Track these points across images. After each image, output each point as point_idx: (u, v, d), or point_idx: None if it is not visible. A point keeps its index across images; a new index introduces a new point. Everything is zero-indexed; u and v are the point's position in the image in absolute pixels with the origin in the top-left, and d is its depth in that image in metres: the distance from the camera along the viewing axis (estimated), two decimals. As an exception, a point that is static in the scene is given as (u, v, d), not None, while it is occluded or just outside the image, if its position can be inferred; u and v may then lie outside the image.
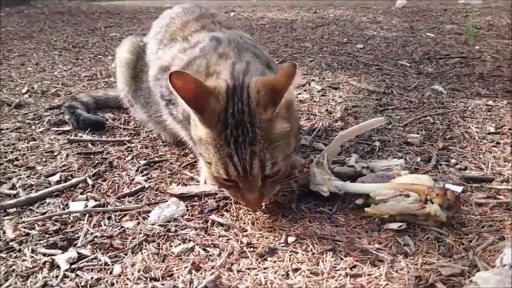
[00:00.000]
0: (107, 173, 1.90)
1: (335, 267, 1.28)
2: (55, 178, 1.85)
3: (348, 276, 1.23)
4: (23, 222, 1.56)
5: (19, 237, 1.48)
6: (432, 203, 1.41)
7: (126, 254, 1.38)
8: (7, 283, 1.27)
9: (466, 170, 1.84)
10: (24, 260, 1.37)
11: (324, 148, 2.02)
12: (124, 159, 2.02)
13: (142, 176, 1.86)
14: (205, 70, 1.61)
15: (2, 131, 2.29)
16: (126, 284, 1.25)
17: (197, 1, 2.17)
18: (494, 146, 2.05)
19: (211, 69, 1.60)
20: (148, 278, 1.26)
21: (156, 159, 2.01)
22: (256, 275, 1.26)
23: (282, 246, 1.38)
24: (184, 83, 1.37)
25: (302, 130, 2.24)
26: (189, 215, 1.58)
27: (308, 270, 1.27)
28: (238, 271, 1.29)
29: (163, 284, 1.24)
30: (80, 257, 1.37)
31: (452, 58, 3.58)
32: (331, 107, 2.60)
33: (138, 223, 1.54)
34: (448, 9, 5.88)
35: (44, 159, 2.02)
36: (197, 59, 1.69)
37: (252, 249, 1.38)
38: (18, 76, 3.20)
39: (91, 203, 1.66)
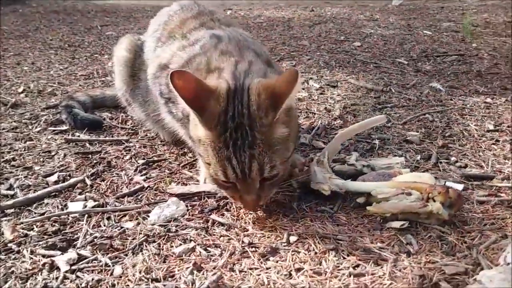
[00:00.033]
0: (105, 173, 1.88)
1: (338, 266, 1.27)
2: (53, 178, 1.83)
3: (352, 276, 1.22)
4: (22, 223, 1.54)
5: (18, 238, 1.46)
6: (434, 201, 1.41)
7: (126, 255, 1.37)
8: (7, 285, 1.26)
9: (466, 168, 1.84)
10: (23, 262, 1.35)
11: (325, 147, 2.02)
12: (123, 158, 2.00)
13: (141, 175, 1.84)
14: (205, 67, 1.59)
15: (-1, 131, 2.27)
16: (128, 285, 1.24)
17: (189, 1, 2.14)
18: (493, 144, 2.05)
19: (212, 66, 1.58)
20: (150, 279, 1.25)
21: (155, 158, 2.00)
22: (259, 275, 1.25)
23: (284, 246, 1.37)
24: (185, 82, 1.36)
25: (301, 129, 2.23)
26: (189, 215, 1.57)
27: (311, 269, 1.26)
28: (240, 271, 1.27)
29: (164, 285, 1.23)
30: (80, 258, 1.36)
31: (449, 56, 3.57)
32: (329, 105, 2.59)
33: (138, 223, 1.53)
34: (445, 7, 5.87)
35: (41, 159, 2.00)
36: (197, 57, 1.68)
37: (253, 249, 1.37)
38: (14, 76, 3.17)
39: (90, 203, 1.65)
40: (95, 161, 1.97)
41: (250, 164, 1.36)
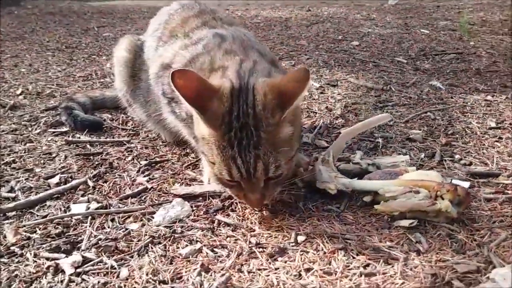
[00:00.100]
0: (107, 174, 1.86)
1: (348, 266, 1.25)
2: (55, 180, 1.80)
3: (363, 275, 1.20)
4: (24, 225, 1.52)
5: (20, 241, 1.44)
6: (443, 199, 1.40)
7: (132, 257, 1.35)
8: (11, 289, 1.24)
9: (471, 165, 1.83)
10: (27, 265, 1.33)
11: (328, 146, 2.01)
12: (124, 159, 1.98)
13: (144, 176, 1.83)
14: (209, 67, 1.58)
15: (-2, 133, 2.25)
16: (135, 287, 1.22)
17: (189, 0, 2.13)
18: (496, 141, 2.04)
19: (215, 65, 1.57)
20: (157, 281, 1.23)
21: (157, 159, 1.98)
22: (268, 275, 1.24)
23: (292, 246, 1.36)
24: (186, 81, 1.34)
25: (303, 128, 2.21)
26: (194, 216, 1.55)
27: (321, 269, 1.24)
28: (249, 272, 1.26)
29: (172, 287, 1.21)
30: (85, 260, 1.34)
31: (448, 54, 3.57)
32: (330, 105, 2.57)
33: (143, 225, 1.51)
34: (441, 5, 5.88)
35: (42, 161, 1.98)
36: (200, 56, 1.66)
37: (261, 249, 1.36)
38: (12, 78, 3.14)
39: (93, 205, 1.63)
40: (96, 163, 1.95)
41: (255, 164, 1.34)
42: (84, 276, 1.27)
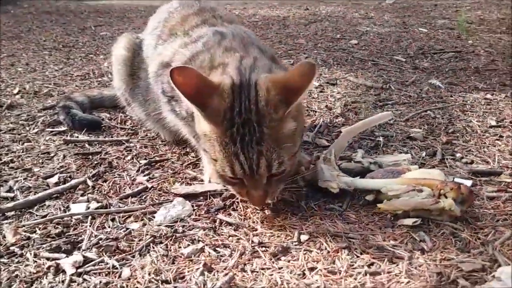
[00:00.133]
0: (107, 173, 1.84)
1: (352, 265, 1.24)
2: (54, 179, 1.78)
3: (368, 274, 1.19)
4: (23, 225, 1.50)
5: (20, 241, 1.42)
6: (446, 197, 1.39)
7: (133, 257, 1.34)
8: (11, 290, 1.22)
9: (472, 163, 1.82)
10: (27, 265, 1.31)
11: (328, 145, 2.00)
12: (124, 159, 1.97)
13: (144, 176, 1.81)
14: (209, 64, 1.57)
15: (-5, 133, 2.23)
16: (137, 287, 1.20)
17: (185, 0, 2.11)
18: (497, 140, 2.04)
19: (215, 62, 1.55)
20: (160, 281, 1.22)
21: (157, 158, 1.96)
22: (271, 275, 1.23)
23: (295, 245, 1.35)
24: (186, 78, 1.33)
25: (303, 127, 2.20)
26: (196, 215, 1.53)
27: (325, 269, 1.23)
28: (252, 271, 1.25)
29: (175, 287, 1.20)
30: (86, 260, 1.32)
31: (446, 53, 3.57)
32: (330, 103, 2.57)
33: (144, 224, 1.49)
34: (438, 4, 5.89)
35: (40, 161, 1.96)
36: (200, 54, 1.65)
37: (264, 248, 1.34)
38: (8, 77, 3.11)
39: (93, 204, 1.61)
40: (95, 162, 1.93)
41: (258, 161, 1.33)
42: (85, 276, 1.26)
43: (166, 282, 1.22)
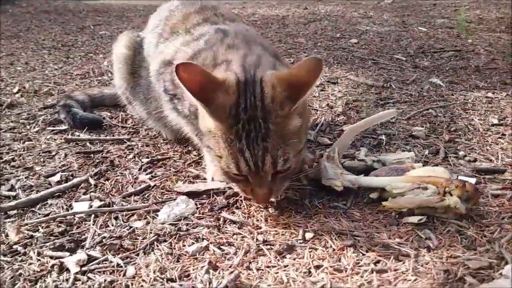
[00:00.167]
0: (109, 172, 1.83)
1: (358, 263, 1.24)
2: (56, 178, 1.78)
3: (374, 272, 1.19)
4: (26, 224, 1.49)
5: (23, 240, 1.41)
6: (451, 195, 1.38)
7: (137, 255, 1.33)
8: (15, 288, 1.21)
9: (476, 162, 1.82)
10: (30, 264, 1.30)
11: (330, 143, 2.00)
12: (126, 157, 1.96)
13: (146, 174, 1.80)
14: (212, 62, 1.56)
15: (-4, 132, 2.21)
16: (142, 286, 1.20)
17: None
18: (500, 138, 2.04)
19: (218, 60, 1.55)
20: (165, 279, 1.21)
21: (159, 157, 1.95)
22: (277, 273, 1.22)
23: (300, 243, 1.34)
24: (191, 74, 1.32)
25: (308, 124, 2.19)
26: (199, 213, 1.53)
27: (331, 266, 1.23)
28: (258, 269, 1.24)
29: (181, 285, 1.19)
30: (90, 259, 1.31)
31: (446, 52, 3.57)
32: (331, 102, 2.56)
33: (148, 223, 1.48)
34: (437, 3, 5.89)
35: (42, 159, 1.95)
36: (202, 52, 1.64)
37: (269, 246, 1.34)
38: (8, 76, 3.10)
39: (96, 203, 1.60)
40: (97, 161, 1.92)
41: (263, 158, 1.32)
42: (90, 275, 1.25)
43: (172, 280, 1.21)
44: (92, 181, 1.75)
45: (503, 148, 1.92)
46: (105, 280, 1.21)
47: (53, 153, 2.00)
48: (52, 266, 1.28)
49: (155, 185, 1.72)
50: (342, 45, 3.85)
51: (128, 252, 1.34)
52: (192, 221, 1.48)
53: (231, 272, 1.22)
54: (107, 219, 1.51)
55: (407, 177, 1.49)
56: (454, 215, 1.40)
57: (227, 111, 1.33)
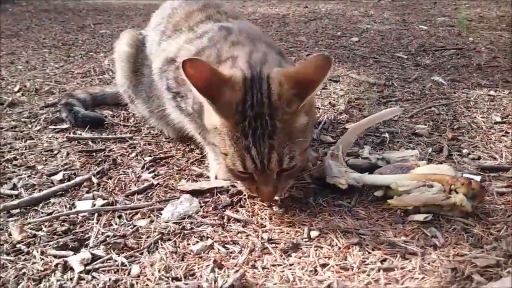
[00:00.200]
0: (111, 171, 1.82)
1: (365, 261, 1.23)
2: (58, 177, 1.77)
3: (381, 270, 1.18)
4: (29, 223, 1.48)
5: (26, 239, 1.40)
6: (457, 193, 1.38)
7: (142, 254, 1.32)
8: (19, 287, 1.20)
9: (479, 159, 1.82)
10: (34, 263, 1.29)
11: (333, 141, 1.99)
12: (128, 156, 1.95)
13: (149, 173, 1.79)
14: (216, 59, 1.55)
15: (-3, 131, 2.20)
16: (147, 285, 1.19)
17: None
18: (503, 136, 2.03)
19: (223, 57, 1.54)
20: (170, 278, 1.20)
21: (162, 155, 1.94)
22: (282, 271, 1.21)
23: (306, 241, 1.33)
24: (197, 71, 1.31)
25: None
26: (203, 212, 1.52)
27: (337, 265, 1.22)
28: (263, 268, 1.23)
29: (186, 284, 1.18)
30: (94, 258, 1.30)
31: (447, 50, 3.57)
32: (333, 100, 2.56)
33: (151, 221, 1.47)
34: (438, 2, 5.88)
35: (44, 158, 1.94)
36: (206, 49, 1.63)
37: (274, 245, 1.33)
38: (9, 75, 3.09)
39: (99, 202, 1.59)
40: (99, 159, 1.92)
41: (269, 155, 1.31)
42: (94, 274, 1.24)
43: (177, 279, 1.20)
44: (95, 180, 1.74)
45: (506, 146, 1.92)
46: (109, 279, 1.20)
47: (55, 152, 1.99)
48: (56, 265, 1.27)
49: (158, 183, 1.71)
50: (343, 44, 3.84)
51: (132, 251, 1.33)
52: (196, 219, 1.48)
53: (237, 271, 1.21)
54: (110, 218, 1.51)
55: (412, 175, 1.48)
56: (460, 213, 1.39)
57: (233, 108, 1.32)
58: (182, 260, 1.28)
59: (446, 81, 2.82)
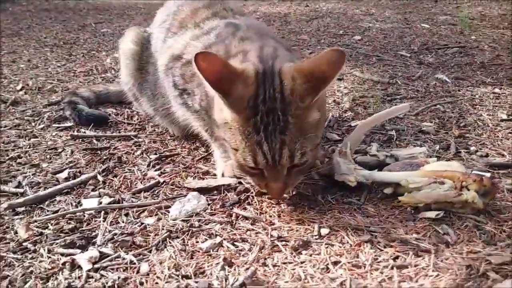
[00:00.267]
0: (117, 168, 1.81)
1: (377, 259, 1.21)
2: (63, 175, 1.75)
3: (394, 268, 1.16)
4: (35, 221, 1.46)
5: (33, 237, 1.38)
6: (468, 190, 1.36)
7: (150, 252, 1.30)
8: (27, 286, 1.19)
9: (488, 157, 1.80)
10: (41, 261, 1.28)
11: (340, 138, 1.98)
12: (133, 154, 1.93)
13: (155, 171, 1.78)
14: (224, 55, 1.53)
15: (1, 129, 2.18)
16: (157, 283, 1.17)
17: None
18: (510, 133, 2.03)
19: (232, 53, 1.52)
20: (180, 276, 1.18)
21: (167, 153, 1.92)
22: (294, 269, 1.19)
23: (316, 239, 1.31)
24: (210, 64, 1.30)
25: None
26: (211, 209, 1.50)
27: (349, 262, 1.20)
28: (274, 266, 1.21)
29: (196, 282, 1.16)
30: (102, 256, 1.28)
31: (450, 48, 3.56)
32: (338, 98, 2.55)
33: (159, 219, 1.46)
34: (439, 0, 5.87)
35: (48, 156, 1.92)
36: (213, 46, 1.62)
37: (284, 242, 1.31)
38: (11, 73, 3.07)
39: (105, 199, 1.57)
40: (104, 157, 1.90)
41: (281, 151, 1.30)
42: (102, 272, 1.22)
43: (187, 277, 1.18)
44: (100, 178, 1.73)
45: (514, 143, 1.91)
46: (118, 278, 1.19)
47: (60, 150, 1.98)
48: (64, 263, 1.26)
49: (164, 181, 1.69)
50: (345, 42, 3.83)
51: (141, 249, 1.31)
52: (204, 217, 1.46)
53: (247, 269, 1.19)
54: (117, 216, 1.49)
55: (422, 171, 1.47)
56: (472, 210, 1.37)
57: (245, 103, 1.30)
58: (192, 258, 1.27)
59: (450, 79, 2.81)
